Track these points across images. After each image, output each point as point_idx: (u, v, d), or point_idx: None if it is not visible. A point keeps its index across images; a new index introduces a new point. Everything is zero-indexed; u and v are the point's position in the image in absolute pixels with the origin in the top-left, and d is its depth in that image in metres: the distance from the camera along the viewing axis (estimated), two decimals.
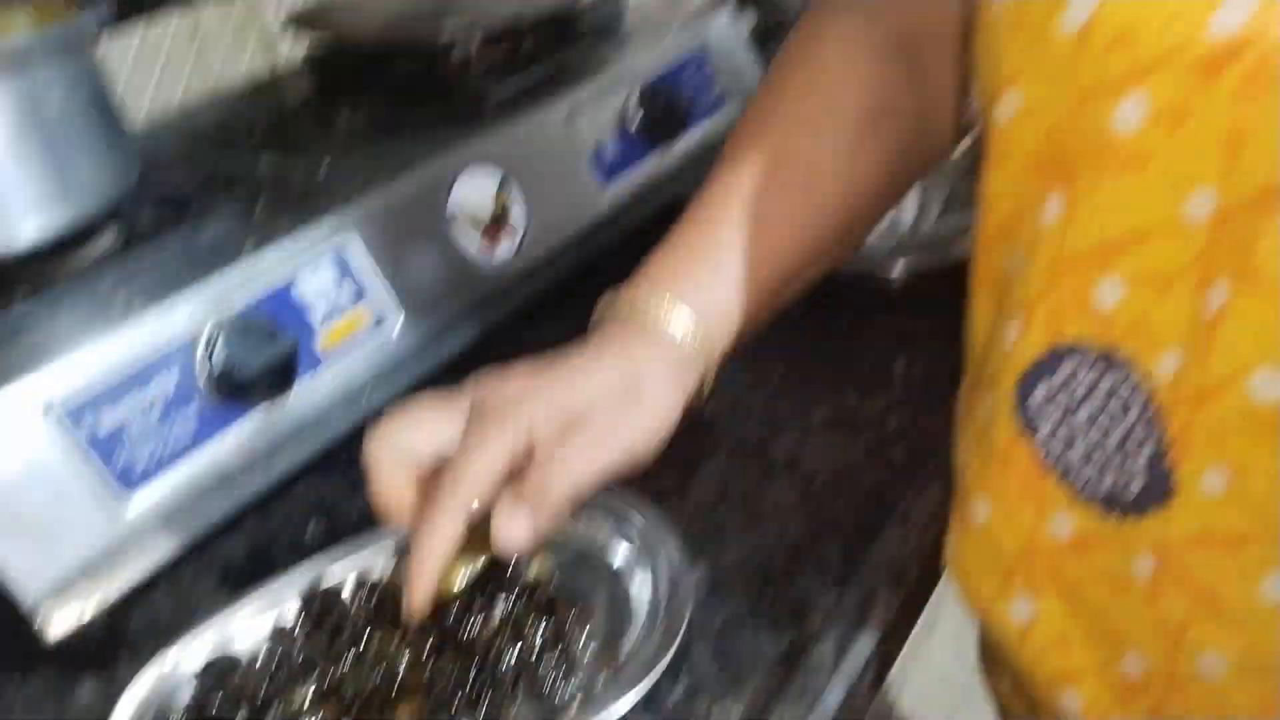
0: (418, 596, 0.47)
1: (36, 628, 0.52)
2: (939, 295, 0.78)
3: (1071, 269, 0.40)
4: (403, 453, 0.48)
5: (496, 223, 0.71)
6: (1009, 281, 0.44)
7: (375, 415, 0.63)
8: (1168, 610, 0.42)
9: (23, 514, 0.51)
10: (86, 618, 0.53)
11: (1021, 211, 0.43)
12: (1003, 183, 0.44)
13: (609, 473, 0.48)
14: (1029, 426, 0.44)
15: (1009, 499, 0.46)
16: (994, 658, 0.57)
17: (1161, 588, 0.42)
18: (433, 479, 0.48)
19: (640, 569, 0.57)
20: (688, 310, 0.52)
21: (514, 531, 0.46)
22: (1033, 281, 0.42)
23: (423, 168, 0.68)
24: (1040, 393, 0.43)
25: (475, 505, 0.46)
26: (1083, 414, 0.42)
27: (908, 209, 0.87)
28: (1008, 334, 0.44)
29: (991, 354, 0.46)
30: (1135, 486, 0.41)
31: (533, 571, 0.58)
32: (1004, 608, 0.49)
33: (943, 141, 0.59)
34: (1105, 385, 0.41)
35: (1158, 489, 0.41)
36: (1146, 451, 0.40)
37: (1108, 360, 0.41)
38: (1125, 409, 0.41)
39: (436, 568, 0.46)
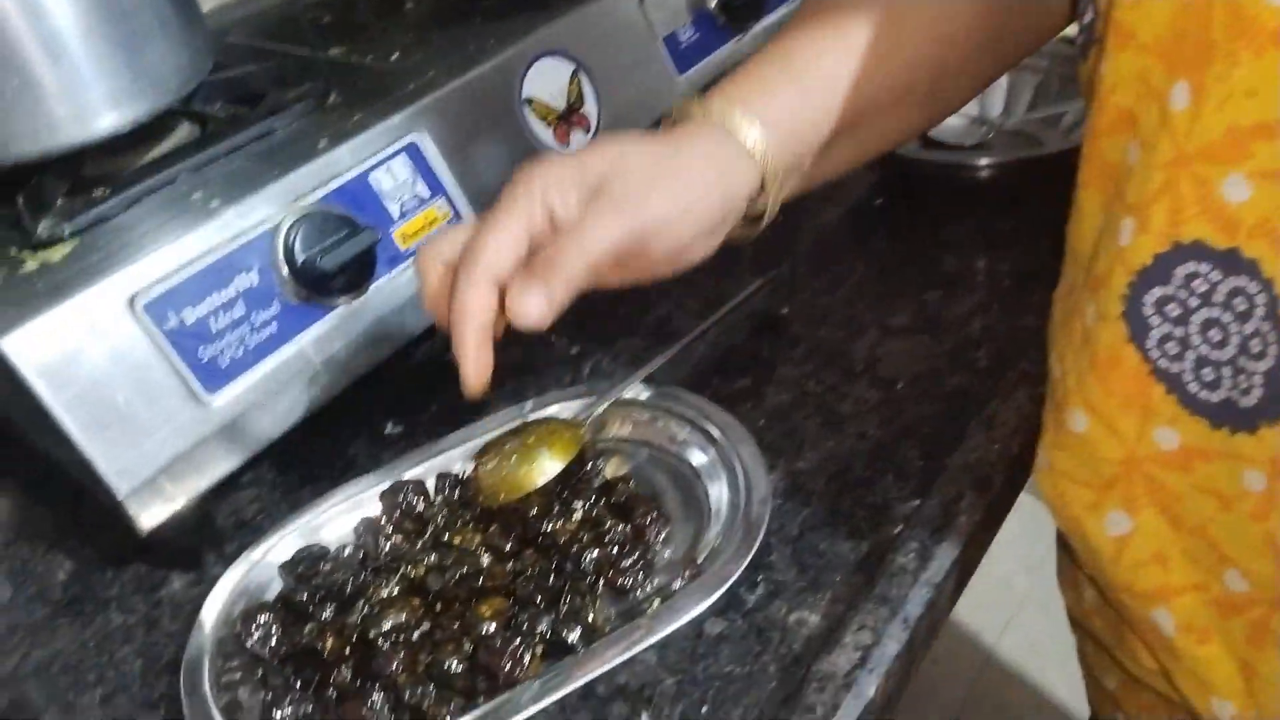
0: (468, 370, 0.46)
1: (128, 521, 0.53)
2: (1027, 192, 0.75)
3: (1196, 163, 0.38)
4: (446, 255, 0.48)
5: (569, 115, 0.69)
6: (1123, 177, 0.42)
7: None
8: (1279, 526, 0.41)
9: (110, 410, 0.51)
10: (175, 510, 0.54)
11: (1142, 101, 0.40)
12: (1122, 70, 0.41)
13: (627, 242, 0.46)
14: (1138, 333, 0.42)
15: (1111, 409, 0.44)
16: (1074, 572, 0.56)
17: (1273, 503, 0.40)
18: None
19: (717, 472, 0.57)
20: (755, 121, 0.49)
21: (526, 305, 0.44)
22: (1151, 177, 0.39)
23: (493, 59, 0.66)
24: (1153, 297, 0.41)
25: (496, 271, 0.45)
26: (1197, 320, 0.40)
27: (995, 100, 0.83)
28: (1120, 234, 0.42)
29: (1099, 255, 0.44)
30: (1251, 399, 0.39)
31: (608, 473, 0.59)
32: (1098, 522, 0.47)
33: (1054, 13, 0.55)
34: (1225, 289, 0.39)
35: (1277, 400, 0.39)
36: (1268, 361, 0.38)
37: (1231, 262, 0.38)
38: (1246, 315, 0.38)
39: (472, 336, 0.46)
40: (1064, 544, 0.57)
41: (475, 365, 0.46)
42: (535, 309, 0.44)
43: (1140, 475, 0.45)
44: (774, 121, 0.50)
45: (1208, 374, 0.41)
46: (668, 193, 0.46)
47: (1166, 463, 0.44)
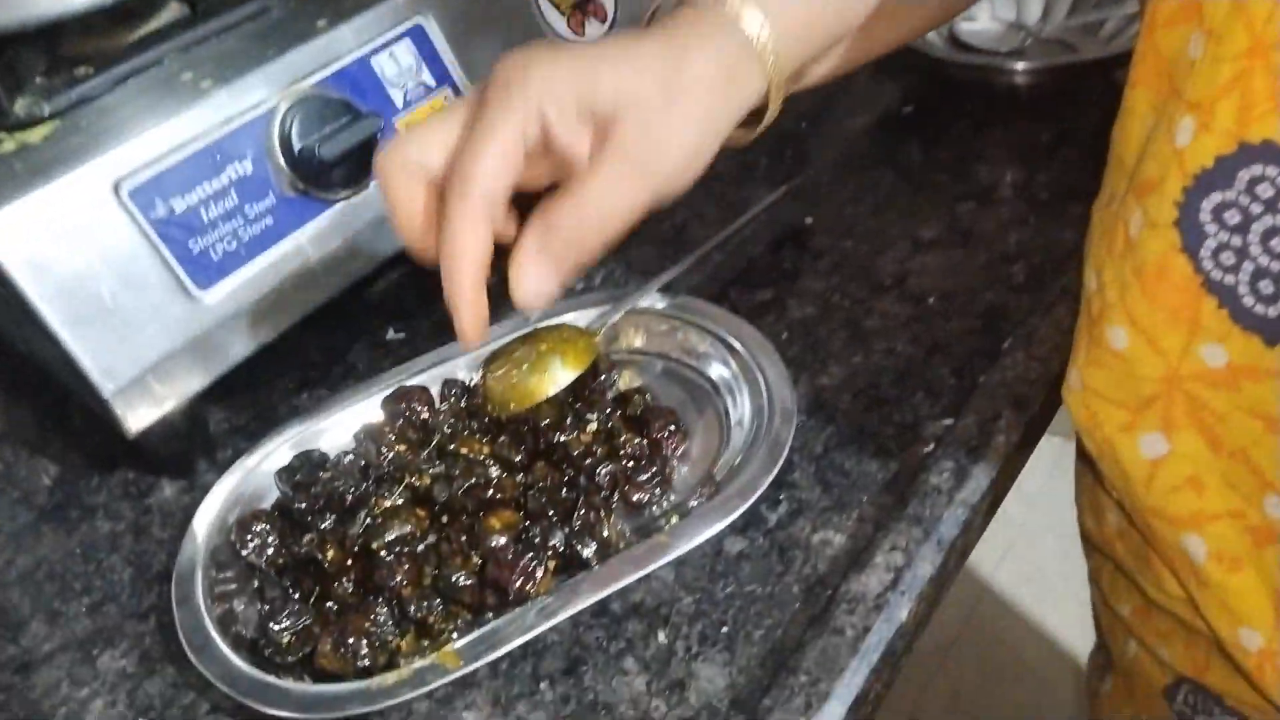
0: (464, 320, 0.40)
1: (115, 423, 0.50)
2: (1065, 101, 0.71)
3: (1275, 53, 0.34)
4: (415, 164, 0.40)
5: (585, 2, 0.65)
6: (1182, 73, 0.38)
7: None
8: None
9: (95, 303, 0.48)
10: (164, 413, 0.51)
11: None
12: None
13: (646, 205, 0.40)
14: (1191, 242, 0.39)
15: (1155, 324, 0.42)
16: (1097, 495, 0.54)
17: None
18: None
19: (739, 386, 0.54)
20: (758, 11, 0.42)
21: (536, 286, 0.39)
22: (1218, 71, 0.36)
23: None
24: (1211, 203, 0.38)
25: (494, 200, 0.39)
26: (1258, 229, 0.37)
27: (1033, 6, 0.78)
28: (1176, 135, 0.38)
29: (1149, 159, 0.40)
30: None
31: (621, 385, 0.56)
32: (1132, 443, 0.45)
33: None
34: None
35: None
36: None
37: None
38: None
39: (469, 281, 0.39)
40: (1088, 466, 0.55)
41: (474, 313, 0.40)
42: (544, 291, 0.39)
43: (1181, 395, 0.42)
44: (781, 20, 0.43)
45: (1265, 287, 0.38)
46: (686, 134, 0.40)
47: (1211, 381, 0.41)
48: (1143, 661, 0.55)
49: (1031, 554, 1.60)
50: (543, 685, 0.44)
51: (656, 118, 0.39)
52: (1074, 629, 1.46)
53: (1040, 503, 1.57)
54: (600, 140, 0.39)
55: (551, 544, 0.47)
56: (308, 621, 0.45)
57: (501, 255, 0.41)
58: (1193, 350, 0.41)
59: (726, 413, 0.54)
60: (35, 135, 0.51)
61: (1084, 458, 0.53)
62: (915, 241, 0.63)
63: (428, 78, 0.57)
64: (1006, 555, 1.62)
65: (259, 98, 0.52)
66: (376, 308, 0.62)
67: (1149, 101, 0.41)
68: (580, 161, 0.39)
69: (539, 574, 0.45)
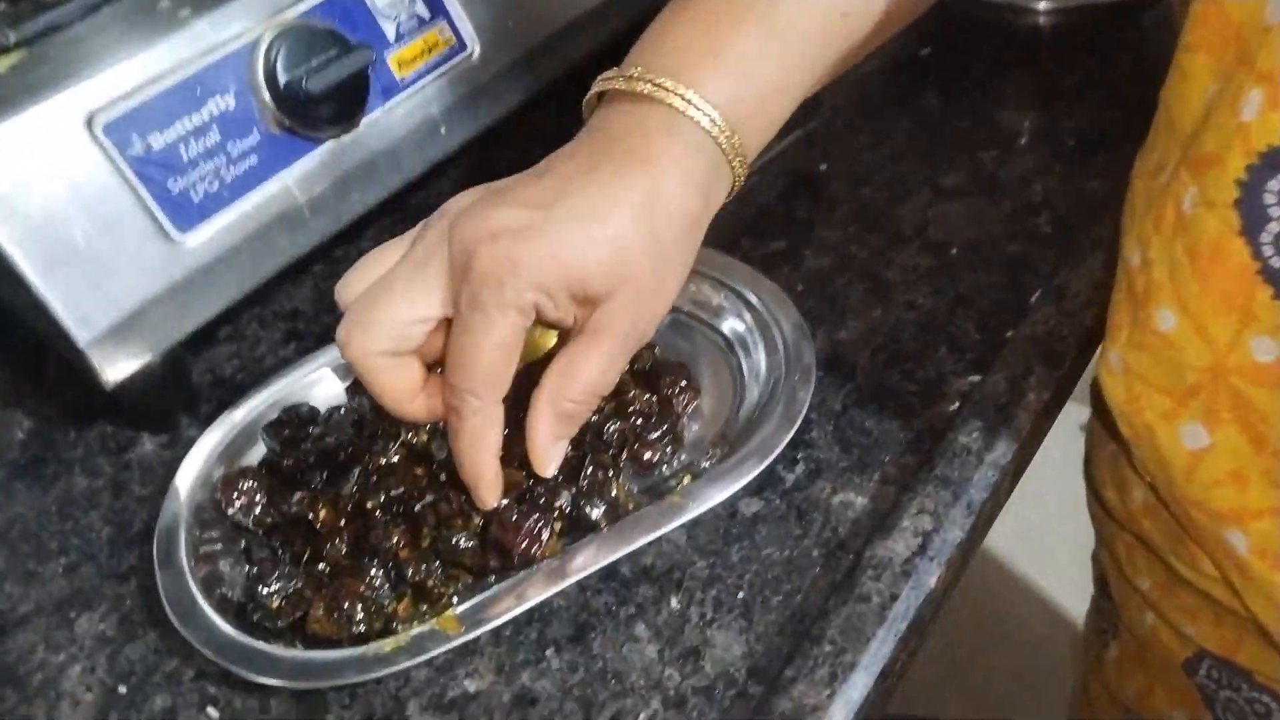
0: (486, 496, 0.42)
1: (92, 374, 0.47)
2: (1093, 41, 0.68)
3: None
4: (392, 341, 0.39)
5: None
6: (1253, 40, 0.35)
7: (451, 155, 0.57)
8: None
9: (68, 246, 0.45)
10: (144, 364, 0.48)
11: None
12: None
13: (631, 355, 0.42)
14: (1251, 225, 0.36)
15: (1205, 309, 0.39)
16: (1122, 471, 0.51)
17: None
18: (441, 342, 0.40)
19: (754, 340, 0.51)
20: (711, 107, 0.40)
21: (553, 461, 0.42)
22: None
23: None
24: (1277, 184, 0.35)
25: (502, 388, 0.40)
26: None
27: None
28: (1242, 108, 0.35)
29: (1208, 131, 0.37)
30: None
31: None
32: (1172, 432, 0.42)
33: None
34: None
35: None
36: None
37: None
38: None
39: (490, 464, 0.42)
40: (1112, 440, 0.52)
41: (493, 489, 0.42)
42: (559, 460, 0.43)
43: (1225, 387, 0.40)
44: (738, 113, 0.40)
45: None
46: (672, 293, 0.41)
47: (1257, 377, 0.38)
48: (1161, 634, 0.54)
49: (1027, 512, 1.59)
50: (549, 652, 0.42)
51: (647, 295, 0.40)
52: (1063, 589, 1.45)
53: (1039, 461, 1.56)
54: (589, 310, 0.39)
55: (558, 505, 0.44)
56: (298, 584, 0.43)
57: None
58: (1242, 341, 0.38)
59: (740, 369, 0.51)
60: (1, 66, 0.47)
61: (1110, 432, 0.51)
62: (935, 189, 0.60)
63: (422, 9, 0.54)
64: (999, 517, 1.61)
65: (242, 27, 0.49)
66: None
67: (1210, 69, 0.38)
68: (566, 326, 0.40)
69: (544, 536, 0.43)
